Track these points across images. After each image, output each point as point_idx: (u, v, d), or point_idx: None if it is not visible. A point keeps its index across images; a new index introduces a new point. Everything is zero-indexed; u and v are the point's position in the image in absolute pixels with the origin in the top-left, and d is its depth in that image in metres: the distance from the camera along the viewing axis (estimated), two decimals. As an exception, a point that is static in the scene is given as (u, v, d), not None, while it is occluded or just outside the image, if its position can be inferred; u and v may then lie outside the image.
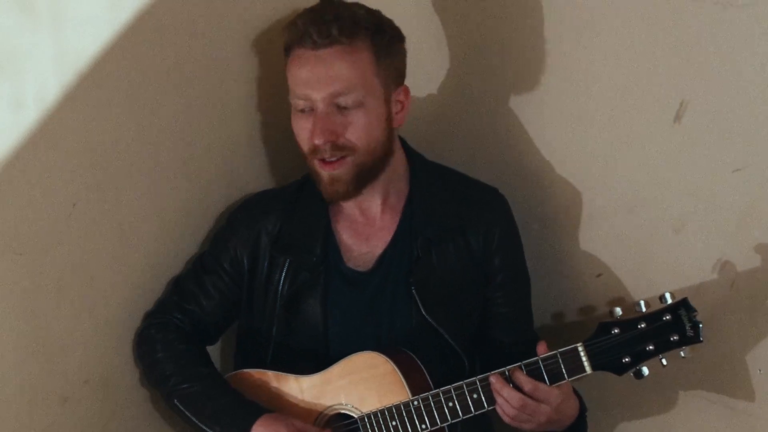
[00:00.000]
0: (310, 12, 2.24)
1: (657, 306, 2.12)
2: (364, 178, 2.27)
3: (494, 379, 2.15)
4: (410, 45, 2.32)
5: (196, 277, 2.39)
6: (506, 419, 2.17)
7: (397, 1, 2.40)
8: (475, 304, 2.36)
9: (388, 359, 2.21)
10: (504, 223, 2.37)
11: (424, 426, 2.19)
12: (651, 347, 2.10)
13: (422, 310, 2.28)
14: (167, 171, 2.36)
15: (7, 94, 2.06)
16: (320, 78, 2.20)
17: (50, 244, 2.18)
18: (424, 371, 2.23)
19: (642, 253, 2.38)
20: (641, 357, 2.11)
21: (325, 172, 2.25)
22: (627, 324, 2.12)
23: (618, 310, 2.13)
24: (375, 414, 2.21)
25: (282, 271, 2.33)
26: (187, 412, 2.30)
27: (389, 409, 2.20)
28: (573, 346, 2.13)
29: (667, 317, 2.10)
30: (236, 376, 2.36)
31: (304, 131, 2.24)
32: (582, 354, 2.12)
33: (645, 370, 2.12)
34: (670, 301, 2.11)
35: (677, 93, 2.28)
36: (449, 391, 2.17)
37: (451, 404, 2.17)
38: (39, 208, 2.15)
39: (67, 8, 2.10)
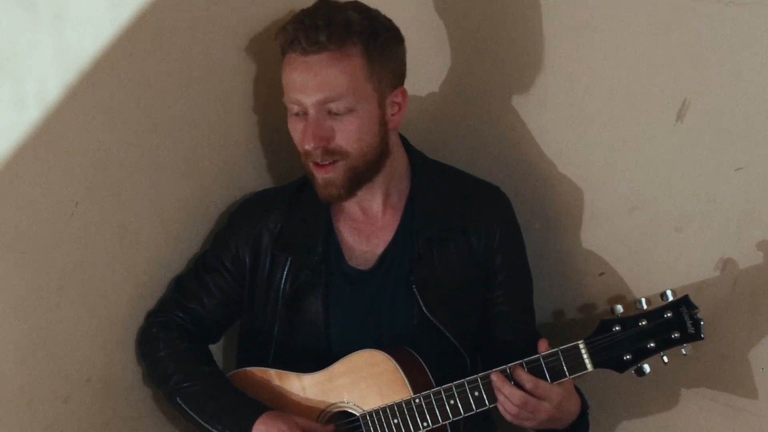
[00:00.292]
0: (302, 16, 2.22)
1: (658, 303, 2.12)
2: (357, 181, 2.27)
3: (495, 377, 2.15)
4: (412, 44, 2.32)
5: (198, 275, 2.39)
6: (508, 417, 2.17)
7: (398, 0, 2.41)
8: (476, 303, 2.36)
9: (390, 357, 2.21)
10: (505, 221, 2.37)
11: (426, 424, 2.19)
12: (652, 344, 2.10)
13: (423, 308, 2.28)
14: (168, 170, 2.37)
15: (8, 94, 2.07)
16: (310, 84, 2.19)
17: (52, 244, 2.18)
18: (426, 369, 2.23)
19: (644, 252, 2.38)
20: (642, 354, 2.11)
21: (318, 175, 2.25)
22: (628, 321, 2.12)
23: (619, 308, 2.13)
24: (377, 412, 2.22)
25: (283, 270, 2.33)
26: (189, 411, 2.31)
27: (391, 406, 2.20)
28: (574, 343, 2.13)
29: (668, 314, 2.10)
30: (238, 375, 2.36)
31: (297, 133, 2.25)
32: (583, 351, 2.12)
33: (646, 368, 2.12)
34: (671, 298, 2.11)
35: (679, 92, 2.28)
36: (451, 388, 2.17)
37: (452, 402, 2.17)
38: (40, 208, 2.16)
39: (67, 7, 2.11)
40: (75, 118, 2.16)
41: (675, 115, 2.29)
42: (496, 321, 2.37)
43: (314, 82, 2.18)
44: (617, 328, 2.12)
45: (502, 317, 2.37)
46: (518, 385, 2.14)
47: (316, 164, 2.24)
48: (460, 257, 2.32)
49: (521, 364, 2.15)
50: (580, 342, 2.13)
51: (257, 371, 2.34)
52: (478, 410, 2.17)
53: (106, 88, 2.20)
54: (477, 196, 2.37)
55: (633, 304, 2.13)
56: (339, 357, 2.26)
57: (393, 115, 2.27)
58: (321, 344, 2.31)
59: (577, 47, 2.38)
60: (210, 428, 2.28)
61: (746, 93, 2.22)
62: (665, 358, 2.12)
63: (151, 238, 2.37)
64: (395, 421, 2.20)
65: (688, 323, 2.09)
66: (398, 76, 2.28)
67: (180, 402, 2.32)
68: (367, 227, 2.35)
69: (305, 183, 2.36)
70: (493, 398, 2.16)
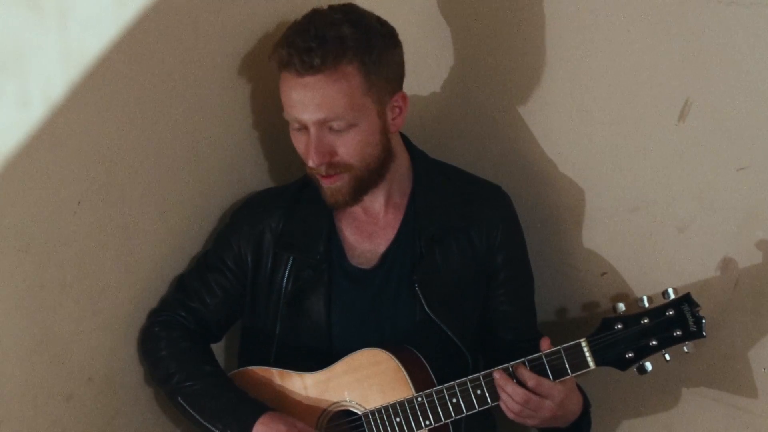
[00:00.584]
0: (294, 35, 2.19)
1: (660, 302, 2.12)
2: (364, 188, 2.28)
3: (498, 375, 2.15)
4: (414, 44, 2.32)
5: (200, 275, 2.39)
6: (510, 415, 2.17)
7: (401, 0, 2.41)
8: (478, 302, 2.36)
9: (392, 356, 2.21)
10: (507, 220, 2.37)
11: (428, 422, 2.19)
12: (654, 342, 2.11)
13: (426, 307, 2.28)
14: (172, 169, 2.37)
15: (14, 92, 2.07)
16: (308, 104, 2.18)
17: (55, 242, 2.19)
18: (428, 368, 2.24)
19: (645, 252, 2.38)
20: (644, 352, 2.11)
21: (324, 186, 2.27)
22: (630, 319, 2.12)
23: (621, 306, 2.13)
24: (379, 410, 2.22)
25: (285, 269, 2.33)
26: (190, 410, 2.31)
27: (393, 405, 2.20)
28: (576, 341, 2.13)
29: (670, 312, 2.10)
30: (240, 374, 2.36)
31: (300, 145, 2.26)
32: (585, 349, 2.12)
33: (648, 366, 2.12)
34: (673, 296, 2.12)
35: (682, 92, 2.28)
36: (453, 387, 2.17)
37: (455, 400, 2.17)
38: (44, 206, 2.16)
39: (73, 7, 2.10)
40: (79, 117, 2.16)
41: (677, 115, 2.29)
42: (498, 320, 2.37)
43: (313, 103, 2.18)
44: (619, 326, 2.12)
45: (503, 316, 2.37)
46: (521, 383, 2.14)
47: (321, 175, 2.25)
48: (461, 256, 2.32)
49: (524, 363, 2.15)
50: (582, 340, 2.13)
51: (259, 370, 2.34)
52: (480, 408, 2.17)
53: (110, 87, 2.20)
54: (478, 195, 2.37)
55: (635, 302, 2.14)
56: (341, 356, 2.26)
57: (394, 119, 2.28)
58: (323, 343, 2.32)
59: (579, 47, 2.38)
60: (211, 428, 2.28)
61: (748, 93, 2.22)
62: (667, 356, 2.12)
63: (153, 237, 2.37)
64: (397, 419, 2.21)
65: (690, 321, 2.10)
66: (397, 80, 2.28)
67: (181, 401, 2.32)
68: (369, 226, 2.35)
69: (307, 182, 2.36)
70: (495, 396, 2.16)
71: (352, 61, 2.17)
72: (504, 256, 2.35)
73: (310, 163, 2.22)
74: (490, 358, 2.33)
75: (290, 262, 2.33)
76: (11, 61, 2.05)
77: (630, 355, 2.12)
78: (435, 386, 2.19)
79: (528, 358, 2.15)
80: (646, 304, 2.12)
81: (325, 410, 2.28)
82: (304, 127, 2.22)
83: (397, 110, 2.28)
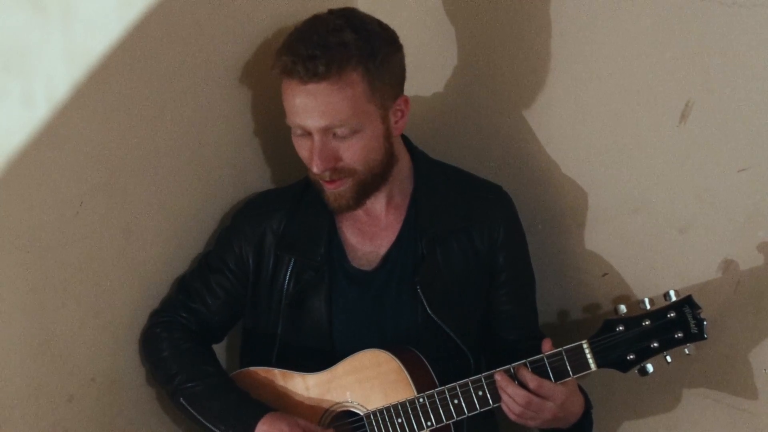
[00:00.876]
0: (296, 42, 2.18)
1: (661, 303, 2.12)
2: (367, 192, 2.28)
3: (499, 377, 2.15)
4: (417, 45, 2.32)
5: (202, 276, 2.39)
6: (511, 416, 2.17)
7: (403, 1, 2.41)
8: (479, 302, 2.36)
9: (394, 357, 2.21)
10: (508, 220, 2.37)
11: (429, 423, 2.19)
12: (655, 344, 2.11)
13: (427, 308, 2.28)
14: (174, 170, 2.37)
15: (17, 92, 2.07)
16: (312, 111, 2.18)
17: (57, 243, 2.19)
18: (430, 369, 2.24)
19: (647, 253, 2.38)
20: (646, 354, 2.12)
21: (328, 190, 2.27)
22: (631, 321, 2.12)
23: (622, 308, 2.13)
24: (381, 411, 2.22)
25: (287, 270, 2.33)
26: (192, 411, 2.31)
27: (395, 406, 2.21)
28: (578, 343, 2.13)
29: (672, 314, 2.11)
30: (242, 374, 2.36)
31: (303, 151, 2.25)
32: (587, 351, 2.13)
33: (649, 367, 2.12)
34: (674, 298, 2.12)
35: (683, 93, 2.28)
36: (455, 388, 2.17)
37: (456, 401, 2.17)
38: (46, 206, 2.16)
39: (77, 7, 2.11)
40: (82, 118, 2.16)
41: (678, 116, 2.29)
42: (500, 320, 2.38)
43: (317, 110, 2.17)
44: (621, 327, 2.12)
45: (505, 316, 2.37)
46: (522, 385, 2.14)
47: (325, 180, 2.25)
48: (463, 257, 2.32)
49: (525, 364, 2.15)
50: (583, 342, 2.13)
51: (261, 371, 2.34)
52: (482, 410, 2.18)
53: (113, 87, 2.20)
54: (480, 195, 2.37)
55: (636, 304, 2.14)
56: (342, 357, 2.26)
57: (396, 122, 2.28)
58: (324, 344, 2.32)
59: (581, 48, 2.39)
60: (212, 428, 2.28)
61: (749, 94, 2.22)
62: (668, 358, 2.13)
63: (155, 238, 2.37)
64: (399, 420, 2.21)
65: (692, 323, 2.10)
66: (399, 84, 2.27)
67: (183, 402, 2.32)
68: (371, 228, 2.36)
69: (309, 184, 2.36)
70: (497, 398, 2.16)
71: (356, 67, 2.17)
72: (505, 257, 2.35)
73: (314, 170, 2.22)
74: (492, 359, 2.33)
75: (291, 264, 2.33)
76: (15, 61, 2.06)
77: (631, 356, 2.12)
78: (437, 387, 2.19)
79: (529, 359, 2.15)
80: (648, 306, 2.12)
81: (326, 411, 2.28)
82: (307, 134, 2.22)
83: (400, 114, 2.28)
